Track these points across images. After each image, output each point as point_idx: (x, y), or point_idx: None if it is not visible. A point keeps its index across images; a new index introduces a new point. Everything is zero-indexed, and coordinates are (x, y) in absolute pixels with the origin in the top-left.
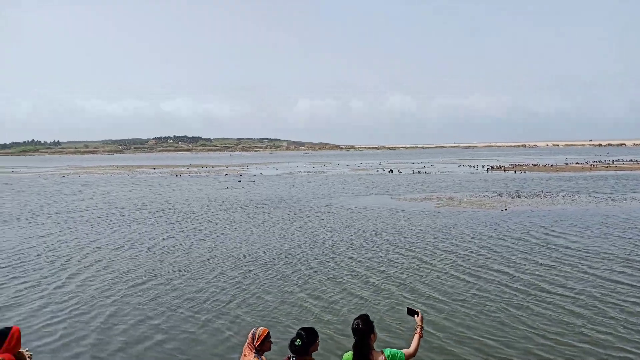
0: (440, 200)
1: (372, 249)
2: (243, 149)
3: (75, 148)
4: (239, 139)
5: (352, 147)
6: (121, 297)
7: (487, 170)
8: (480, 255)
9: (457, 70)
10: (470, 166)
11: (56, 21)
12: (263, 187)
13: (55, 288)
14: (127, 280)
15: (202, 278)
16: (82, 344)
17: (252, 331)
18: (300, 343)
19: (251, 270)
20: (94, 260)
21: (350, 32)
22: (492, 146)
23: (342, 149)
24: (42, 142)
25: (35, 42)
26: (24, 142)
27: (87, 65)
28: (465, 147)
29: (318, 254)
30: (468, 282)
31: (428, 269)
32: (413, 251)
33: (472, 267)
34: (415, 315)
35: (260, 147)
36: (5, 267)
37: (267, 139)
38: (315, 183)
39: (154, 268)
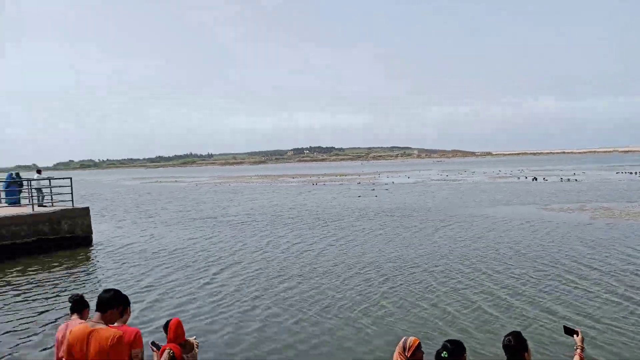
0: (596, 212)
1: (506, 262)
2: (374, 157)
3: (225, 160)
4: (369, 148)
5: (489, 153)
6: (256, 296)
7: None
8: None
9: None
10: (631, 173)
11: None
12: (395, 195)
13: (203, 284)
14: (263, 280)
15: (328, 283)
16: (215, 337)
17: (402, 340)
18: (446, 355)
19: (376, 279)
20: (237, 261)
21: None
22: None
23: (477, 155)
24: (198, 154)
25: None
26: (183, 154)
27: (233, 87)
28: (625, 151)
29: (446, 264)
30: (622, 305)
31: (571, 287)
32: (555, 266)
33: (629, 289)
34: (575, 335)
35: (391, 156)
36: (167, 263)
37: (397, 147)
38: (448, 191)
39: (287, 270)
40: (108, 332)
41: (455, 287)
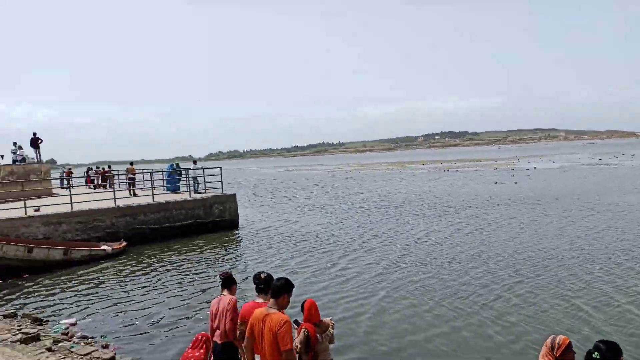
0: None
1: None
2: (513, 141)
3: (355, 147)
4: (508, 131)
5: None
6: (391, 283)
7: None
8: None
9: None
10: None
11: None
12: (536, 182)
13: (338, 270)
14: (397, 268)
15: (466, 273)
16: (356, 327)
17: (550, 339)
18: (598, 356)
19: (519, 270)
20: (370, 247)
21: None
22: None
23: (639, 136)
24: (330, 143)
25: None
26: (317, 144)
27: (371, 74)
28: None
29: (601, 258)
30: None
31: None
32: None
33: None
34: None
35: (533, 139)
36: (301, 247)
37: (540, 129)
38: (600, 177)
39: (421, 259)
40: (279, 316)
41: (595, 284)
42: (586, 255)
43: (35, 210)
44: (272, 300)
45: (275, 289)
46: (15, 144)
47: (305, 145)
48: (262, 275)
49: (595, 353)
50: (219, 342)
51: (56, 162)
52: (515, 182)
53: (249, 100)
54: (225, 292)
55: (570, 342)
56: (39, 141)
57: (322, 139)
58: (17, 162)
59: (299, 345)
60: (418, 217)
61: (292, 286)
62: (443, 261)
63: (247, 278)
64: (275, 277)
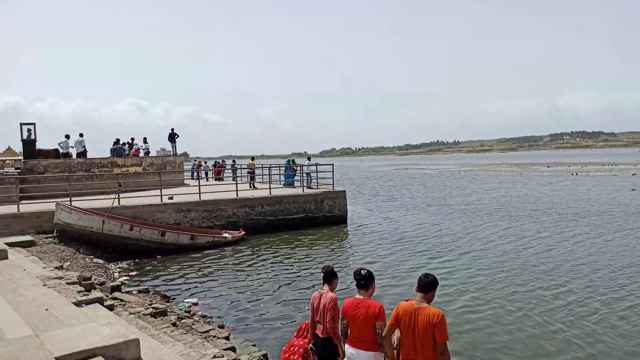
0: None
1: None
2: None
3: (472, 147)
4: None
5: None
6: (479, 288)
7: None
8: None
9: None
10: None
11: None
12: None
13: (428, 269)
14: (488, 273)
15: (564, 285)
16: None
17: None
18: None
19: (626, 286)
20: (465, 251)
21: None
22: None
23: None
24: (445, 141)
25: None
26: (430, 142)
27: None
28: None
29: None
30: None
31: None
32: None
33: None
34: None
35: None
36: (404, 246)
37: None
38: None
39: (518, 266)
40: (435, 310)
41: None
42: None
43: (169, 199)
44: (420, 294)
45: (427, 284)
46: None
47: (418, 143)
48: (363, 272)
49: None
50: (320, 335)
51: (188, 155)
52: None
53: (362, 95)
54: (326, 286)
55: None
56: (176, 136)
57: (436, 137)
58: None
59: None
60: (530, 223)
61: (437, 283)
62: (540, 270)
63: (349, 272)
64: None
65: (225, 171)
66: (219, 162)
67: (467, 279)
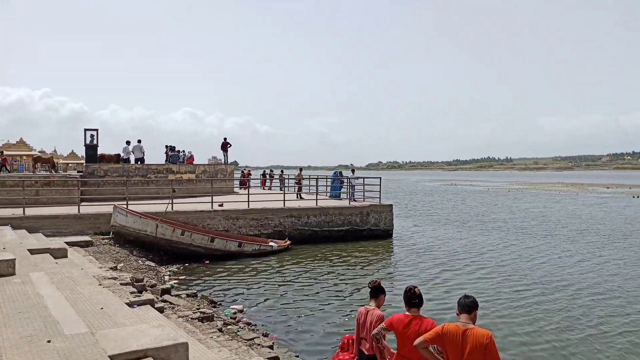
0: None
1: None
2: None
3: (525, 164)
4: None
5: None
6: (502, 309)
7: None
8: None
9: None
10: None
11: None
12: None
13: (471, 289)
14: (513, 292)
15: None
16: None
17: None
18: None
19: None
20: (494, 268)
21: None
22: None
23: None
24: (496, 158)
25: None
26: (481, 158)
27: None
28: None
29: None
30: None
31: None
32: None
33: None
34: None
35: None
36: (448, 263)
37: None
38: None
39: (550, 288)
40: (483, 331)
41: None
42: None
43: (220, 206)
44: (465, 315)
45: (470, 305)
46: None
47: (468, 159)
48: (417, 290)
49: None
50: (366, 353)
51: (238, 164)
52: None
53: (412, 108)
54: (373, 302)
55: None
56: (228, 145)
57: (487, 153)
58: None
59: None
60: (571, 244)
61: (477, 304)
62: (571, 290)
63: (394, 288)
64: (466, 296)
65: (274, 181)
66: (271, 171)
67: (512, 299)
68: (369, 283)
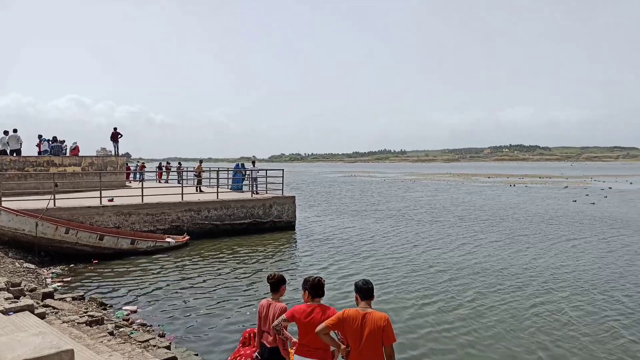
0: None
1: None
2: (587, 158)
3: (418, 157)
4: (582, 148)
5: None
6: (416, 291)
7: None
8: None
9: None
10: None
11: None
12: (615, 204)
13: (373, 275)
14: (423, 275)
15: (497, 284)
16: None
17: None
18: None
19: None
20: (387, 253)
21: None
22: None
23: None
24: (392, 151)
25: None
26: (378, 151)
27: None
28: None
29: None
30: None
31: None
32: None
33: None
34: None
35: (610, 157)
36: (351, 253)
37: (619, 147)
38: None
39: (433, 270)
40: (379, 314)
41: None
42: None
43: (109, 201)
44: (365, 302)
45: (369, 291)
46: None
47: (366, 151)
48: (321, 280)
49: None
50: (268, 345)
51: (131, 156)
52: (593, 203)
53: (308, 104)
54: (274, 295)
55: None
56: (119, 136)
57: (384, 146)
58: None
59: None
60: (460, 230)
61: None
62: (478, 270)
63: (297, 279)
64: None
65: (171, 174)
66: (163, 164)
67: (403, 282)
68: (268, 277)
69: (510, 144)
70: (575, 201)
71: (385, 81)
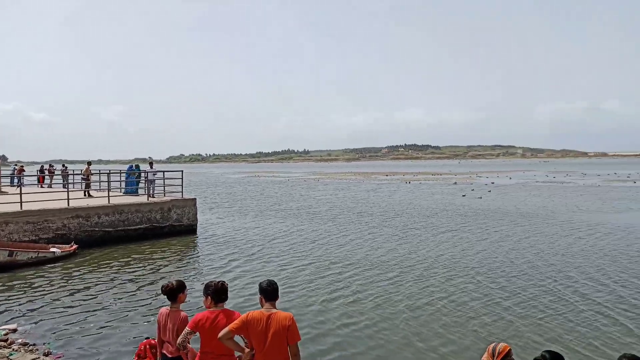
0: None
1: (597, 276)
2: (473, 156)
3: (320, 156)
4: (469, 147)
5: (604, 154)
6: (298, 290)
7: None
8: None
9: None
10: None
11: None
12: (497, 197)
13: (278, 276)
14: (328, 273)
15: (400, 275)
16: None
17: (491, 345)
18: None
19: (481, 283)
20: (289, 252)
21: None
22: None
23: (590, 156)
24: (296, 151)
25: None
26: (281, 150)
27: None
28: None
29: (521, 270)
30: None
31: None
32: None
33: None
34: None
35: (492, 155)
36: (255, 255)
37: (499, 146)
38: (555, 194)
39: (348, 263)
40: (284, 314)
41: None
42: (513, 267)
43: None
44: (269, 303)
45: (274, 292)
46: None
47: (270, 151)
48: (225, 285)
49: None
50: (168, 355)
51: (7, 159)
52: (480, 197)
53: (209, 103)
54: (173, 302)
55: (510, 350)
56: None
57: (287, 146)
58: None
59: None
60: (356, 225)
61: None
62: (380, 269)
63: (200, 285)
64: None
65: (55, 178)
66: (51, 166)
67: (307, 280)
68: (162, 288)
69: (405, 144)
70: (465, 196)
71: (290, 80)
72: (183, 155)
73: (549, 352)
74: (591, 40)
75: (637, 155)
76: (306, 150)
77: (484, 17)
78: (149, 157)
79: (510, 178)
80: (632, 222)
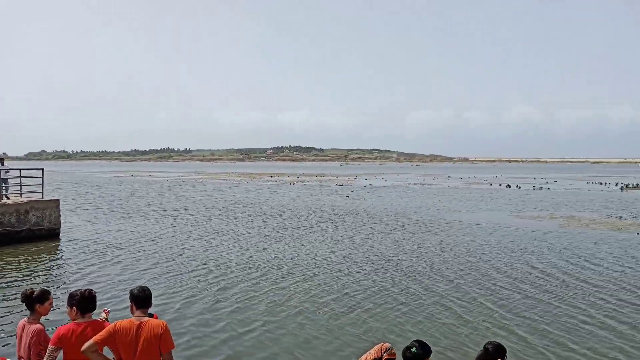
0: (564, 220)
1: (482, 270)
2: (353, 159)
3: (203, 156)
4: (349, 150)
5: (466, 159)
6: (175, 295)
7: (621, 188)
8: (608, 282)
9: (592, 76)
10: (601, 183)
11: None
12: (373, 198)
13: (125, 279)
14: (194, 274)
15: (265, 275)
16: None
17: (379, 344)
18: (416, 351)
19: (314, 278)
20: (170, 254)
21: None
22: (628, 162)
23: (454, 161)
24: (176, 149)
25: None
26: (160, 149)
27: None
28: (596, 162)
29: (406, 265)
30: (593, 316)
31: (534, 296)
32: (528, 274)
33: (595, 296)
34: None
35: (370, 158)
36: (124, 258)
37: (377, 150)
38: (425, 196)
39: (229, 261)
40: (156, 321)
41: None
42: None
43: None
44: (140, 310)
45: (146, 299)
46: None
47: (147, 149)
48: (92, 293)
49: (413, 348)
50: None
51: None
52: (363, 198)
53: (73, 95)
54: (32, 314)
55: (390, 347)
56: None
57: (167, 144)
58: None
59: None
60: (237, 225)
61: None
62: (258, 271)
63: (64, 295)
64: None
65: None
66: None
67: (176, 284)
68: (22, 294)
69: (290, 145)
70: (348, 197)
71: (170, 73)
72: (45, 151)
73: (418, 340)
74: (459, 50)
75: (492, 160)
76: (187, 149)
77: (372, 22)
78: (3, 153)
79: (386, 180)
80: (477, 220)
